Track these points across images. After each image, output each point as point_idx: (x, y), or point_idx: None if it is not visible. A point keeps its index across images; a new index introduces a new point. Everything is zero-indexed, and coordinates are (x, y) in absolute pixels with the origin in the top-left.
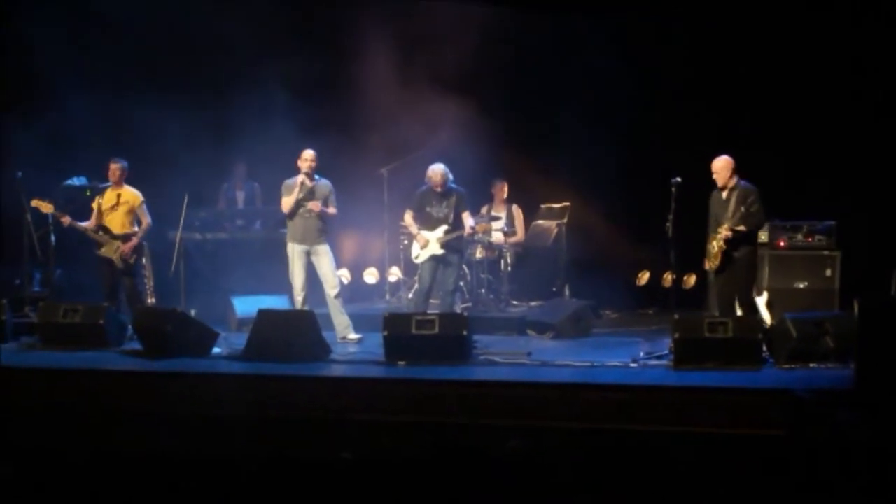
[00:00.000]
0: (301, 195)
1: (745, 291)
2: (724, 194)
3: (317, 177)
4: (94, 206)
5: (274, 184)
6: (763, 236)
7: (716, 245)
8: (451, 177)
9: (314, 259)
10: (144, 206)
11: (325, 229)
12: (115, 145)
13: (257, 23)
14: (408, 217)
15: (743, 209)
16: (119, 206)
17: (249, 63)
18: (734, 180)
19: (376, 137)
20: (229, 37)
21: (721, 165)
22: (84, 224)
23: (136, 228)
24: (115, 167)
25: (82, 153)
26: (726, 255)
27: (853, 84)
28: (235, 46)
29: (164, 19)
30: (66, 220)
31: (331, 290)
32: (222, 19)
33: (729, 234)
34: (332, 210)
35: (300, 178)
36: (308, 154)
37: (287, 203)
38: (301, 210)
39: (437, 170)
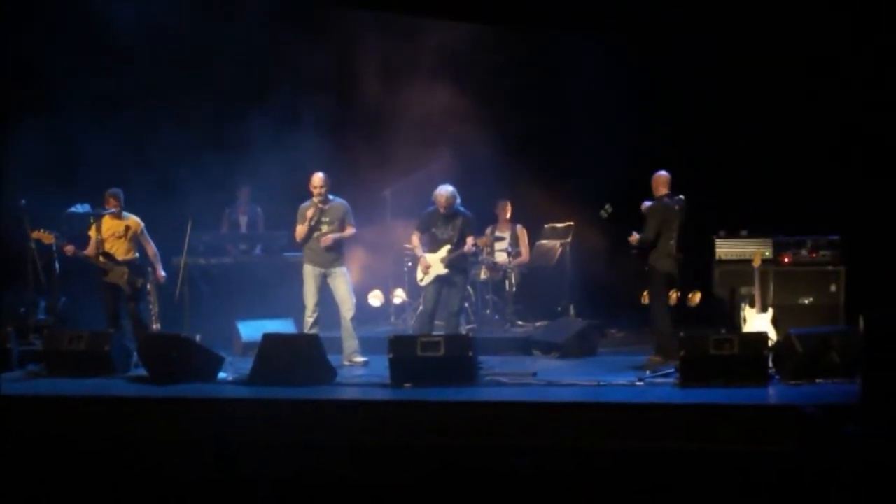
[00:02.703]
0: (314, 222)
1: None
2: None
3: (331, 197)
4: (91, 234)
5: (277, 208)
6: (767, 252)
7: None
8: (458, 199)
9: (330, 281)
10: (146, 232)
11: (342, 252)
12: (118, 170)
13: (262, 47)
14: (414, 239)
15: None
16: (121, 233)
17: (253, 87)
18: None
19: (379, 159)
20: (233, 61)
21: (662, 180)
22: (86, 252)
23: (137, 255)
24: (113, 196)
25: (85, 179)
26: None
27: (857, 97)
28: (239, 70)
29: (167, 43)
30: (70, 249)
31: (346, 312)
32: (226, 43)
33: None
34: (348, 231)
35: (311, 208)
36: (316, 179)
37: (300, 232)
38: (316, 234)
39: (443, 192)
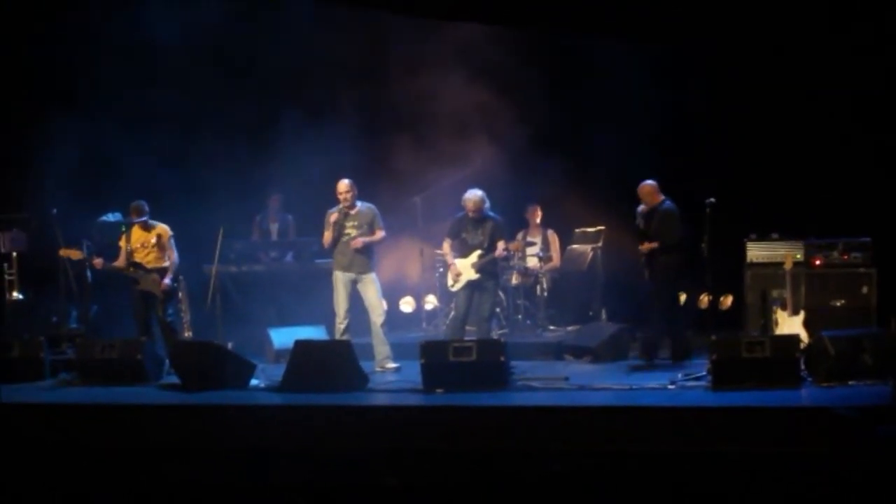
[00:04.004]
0: (339, 227)
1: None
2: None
3: (359, 203)
4: (122, 244)
5: (308, 216)
6: (799, 255)
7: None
8: (487, 204)
9: (360, 287)
10: (173, 241)
11: (371, 256)
12: (149, 179)
13: (292, 55)
14: (446, 246)
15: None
16: (150, 242)
17: (284, 95)
18: (657, 200)
19: (410, 165)
20: (263, 69)
21: (647, 191)
22: (115, 264)
23: (167, 262)
24: (139, 207)
25: (116, 188)
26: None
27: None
28: (269, 79)
29: (199, 52)
30: (99, 262)
31: (377, 318)
32: (258, 52)
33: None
34: (378, 235)
35: (335, 213)
36: (342, 186)
37: (326, 238)
38: (345, 238)
39: (472, 196)
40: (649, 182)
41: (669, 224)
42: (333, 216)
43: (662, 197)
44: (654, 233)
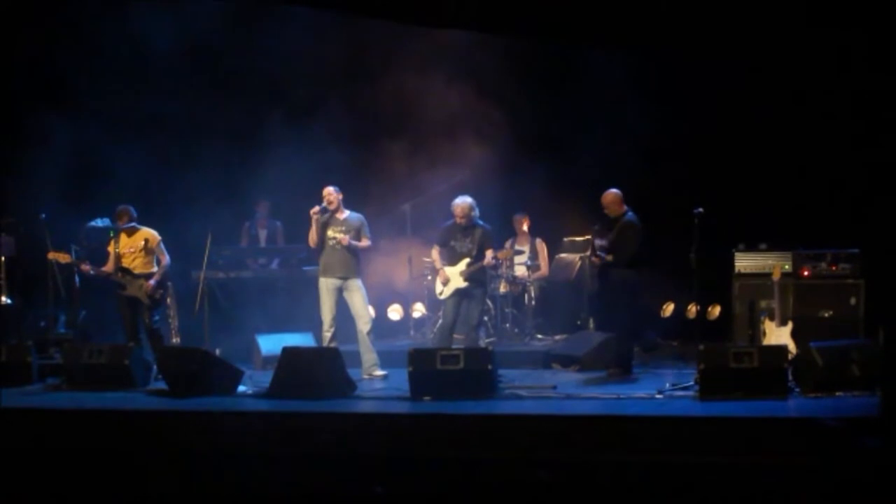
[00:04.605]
0: (324, 231)
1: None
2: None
3: (347, 211)
4: (110, 249)
5: (296, 222)
6: (787, 265)
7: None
8: (476, 212)
9: (346, 295)
10: (162, 245)
11: (357, 263)
12: (138, 185)
13: (281, 61)
14: (434, 253)
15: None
16: (138, 246)
17: (272, 102)
18: (621, 210)
19: (399, 173)
20: (252, 74)
21: (610, 199)
22: (104, 269)
23: (155, 267)
24: (125, 212)
25: (105, 193)
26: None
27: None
28: (258, 84)
29: (188, 57)
30: (87, 267)
31: (363, 326)
32: (247, 57)
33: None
34: (364, 243)
35: (317, 211)
36: (325, 192)
37: (311, 236)
38: (332, 242)
39: (461, 203)
40: (613, 191)
41: (627, 237)
42: (316, 214)
43: (626, 208)
44: (611, 245)
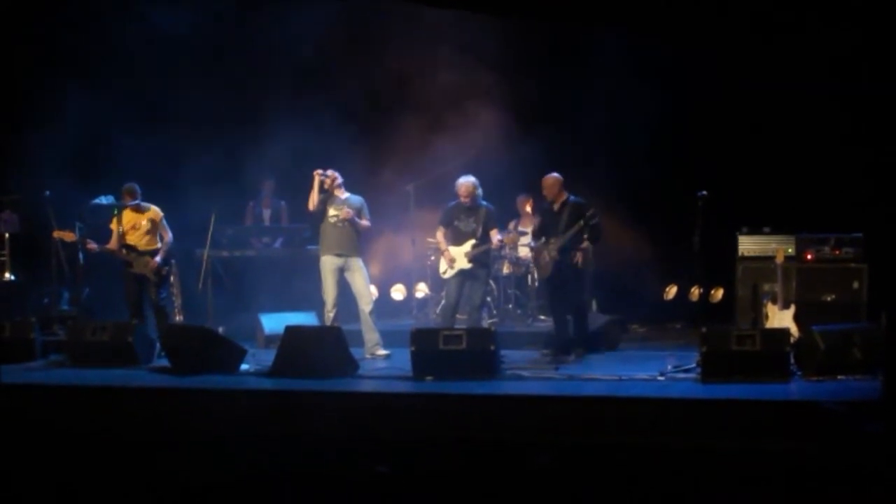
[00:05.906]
0: (325, 210)
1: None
2: (556, 207)
3: (347, 193)
4: (113, 227)
5: (301, 202)
6: (790, 249)
7: (547, 255)
8: (480, 192)
9: (348, 275)
10: (164, 221)
11: (359, 241)
12: (142, 163)
13: (288, 44)
14: (439, 234)
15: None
16: (142, 224)
17: (278, 81)
18: (564, 195)
19: (403, 154)
20: (260, 57)
21: (550, 182)
22: (108, 246)
23: (159, 244)
24: (131, 189)
25: (109, 171)
26: (557, 265)
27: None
28: (263, 64)
29: (192, 38)
30: (92, 246)
31: (365, 305)
32: (255, 40)
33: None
34: (364, 222)
35: (319, 173)
36: (328, 172)
37: (312, 199)
38: (333, 220)
39: (465, 182)
40: (553, 175)
41: (593, 214)
42: (319, 175)
43: (567, 193)
44: (565, 228)
